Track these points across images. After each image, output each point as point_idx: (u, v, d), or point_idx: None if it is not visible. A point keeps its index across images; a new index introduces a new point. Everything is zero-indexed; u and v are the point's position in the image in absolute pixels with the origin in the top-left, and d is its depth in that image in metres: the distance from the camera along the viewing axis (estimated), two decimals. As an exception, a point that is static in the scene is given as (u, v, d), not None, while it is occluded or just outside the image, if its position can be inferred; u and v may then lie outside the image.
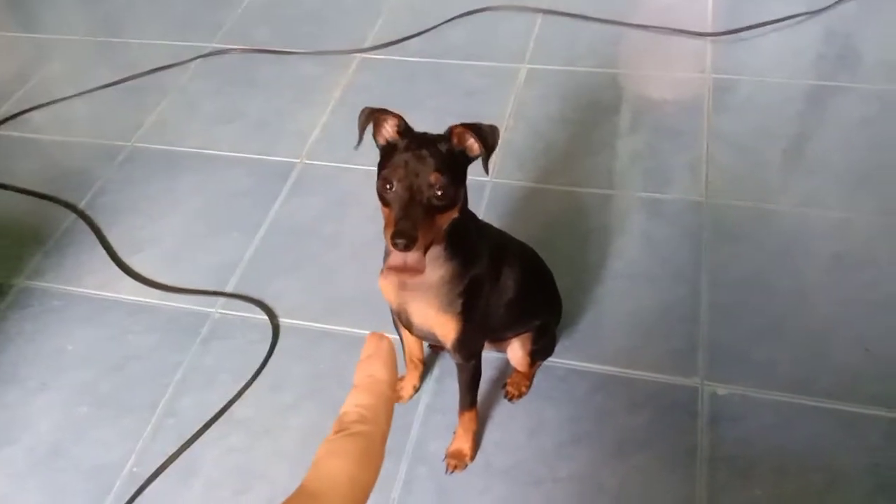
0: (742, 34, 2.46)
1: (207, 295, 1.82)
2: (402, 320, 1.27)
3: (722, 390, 1.54)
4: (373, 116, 1.11)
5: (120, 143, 2.29)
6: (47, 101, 2.47)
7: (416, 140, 1.08)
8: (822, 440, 1.45)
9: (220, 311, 1.78)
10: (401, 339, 1.48)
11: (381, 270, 1.24)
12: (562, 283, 1.55)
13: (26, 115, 2.43)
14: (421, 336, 1.32)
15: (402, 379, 1.56)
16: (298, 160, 2.17)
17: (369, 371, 0.48)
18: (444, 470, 1.45)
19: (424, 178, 1.03)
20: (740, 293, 1.72)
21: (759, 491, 1.39)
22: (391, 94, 2.34)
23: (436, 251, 1.12)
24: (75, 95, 2.48)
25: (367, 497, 0.41)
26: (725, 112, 2.20)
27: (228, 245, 1.94)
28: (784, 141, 2.12)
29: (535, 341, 1.47)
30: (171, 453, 1.52)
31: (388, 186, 1.04)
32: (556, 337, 1.57)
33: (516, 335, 1.46)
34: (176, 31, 2.75)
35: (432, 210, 1.03)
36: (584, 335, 1.66)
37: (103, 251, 1.94)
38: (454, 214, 1.09)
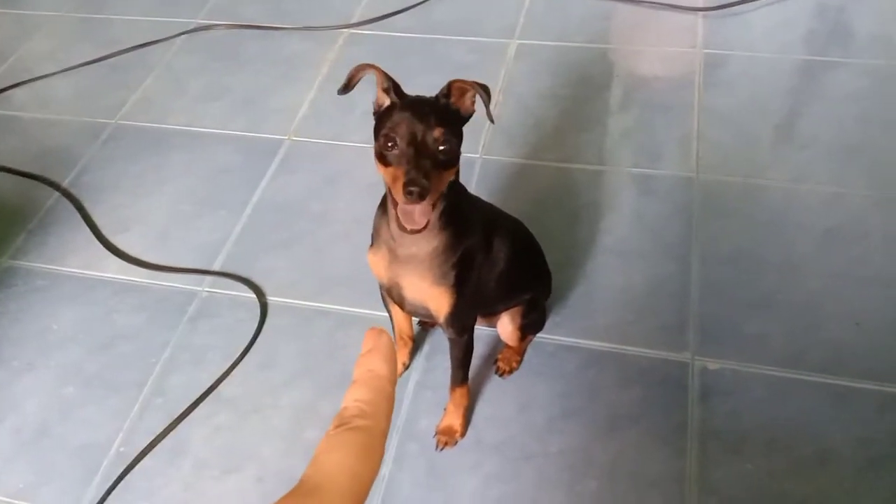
0: (733, 9, 2.44)
1: (194, 273, 1.79)
2: (393, 296, 1.26)
3: (713, 365, 1.54)
4: (375, 71, 1.10)
5: (104, 120, 2.25)
6: (29, 78, 2.43)
7: (415, 98, 1.08)
8: (813, 414, 1.45)
9: (207, 289, 1.76)
10: (390, 315, 1.46)
11: (370, 246, 1.23)
12: (552, 259, 1.54)
13: (7, 93, 2.39)
14: (412, 311, 1.31)
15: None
16: (286, 137, 2.14)
17: (369, 366, 0.47)
18: (435, 446, 1.45)
19: (429, 132, 1.02)
20: (731, 268, 1.71)
21: (750, 465, 1.39)
22: (379, 70, 2.31)
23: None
24: (58, 72, 2.44)
25: (367, 491, 0.41)
26: (716, 87, 2.18)
27: (215, 223, 1.91)
28: (775, 116, 2.11)
29: (524, 315, 1.46)
30: (158, 432, 1.51)
31: (390, 144, 1.03)
32: (547, 312, 1.56)
33: (506, 309, 1.45)
34: (160, 6, 2.70)
35: (438, 164, 1.03)
36: (574, 311, 1.65)
37: (88, 230, 1.91)
38: (453, 174, 1.09)
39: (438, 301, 1.20)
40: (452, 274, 1.17)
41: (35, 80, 2.42)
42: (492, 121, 1.12)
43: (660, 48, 2.37)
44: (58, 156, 2.14)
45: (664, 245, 1.77)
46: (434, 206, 1.07)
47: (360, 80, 1.12)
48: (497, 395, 1.53)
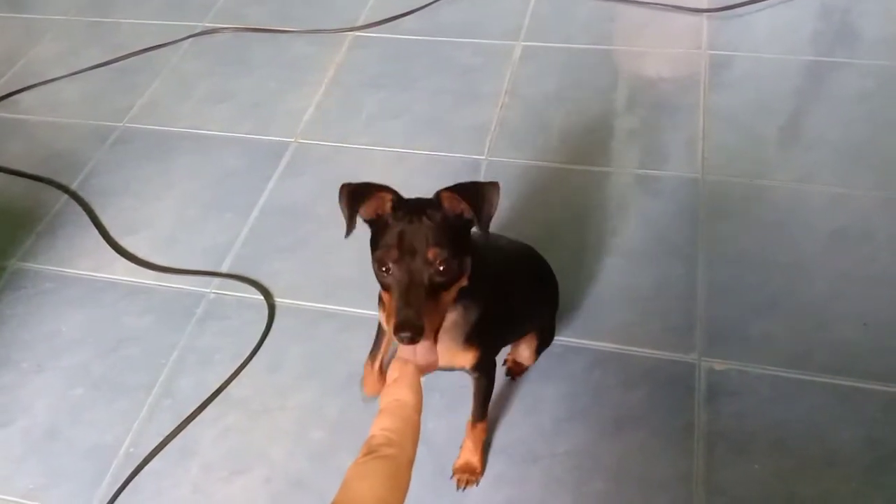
0: (738, 10, 2.44)
1: (202, 275, 1.80)
2: None
3: (719, 366, 1.54)
4: (356, 194, 0.99)
5: (111, 123, 2.26)
6: (37, 82, 2.44)
7: (408, 211, 0.97)
8: (819, 415, 1.45)
9: (215, 291, 1.77)
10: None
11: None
12: (558, 261, 1.54)
13: (16, 97, 2.40)
14: (442, 369, 1.31)
15: None
16: (292, 140, 2.15)
17: (395, 395, 0.48)
18: (455, 486, 1.40)
19: (422, 255, 0.94)
20: (737, 269, 1.71)
21: (757, 465, 1.39)
22: (385, 72, 2.32)
23: None
24: (66, 76, 2.45)
25: None
26: (722, 88, 2.18)
27: (223, 226, 1.92)
28: (781, 117, 2.10)
29: (539, 337, 1.48)
30: (167, 434, 1.51)
31: (384, 269, 0.96)
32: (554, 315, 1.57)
33: (522, 337, 1.46)
34: (167, 10, 2.71)
35: (436, 289, 0.94)
36: (581, 312, 1.66)
37: (96, 232, 1.93)
38: (462, 283, 1.00)
39: (465, 358, 1.20)
40: (475, 335, 1.16)
41: (43, 84, 2.44)
42: (484, 232, 0.99)
43: (665, 50, 2.37)
44: (66, 159, 2.15)
45: (670, 246, 1.77)
46: (437, 334, 0.95)
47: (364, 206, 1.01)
48: (504, 397, 1.53)
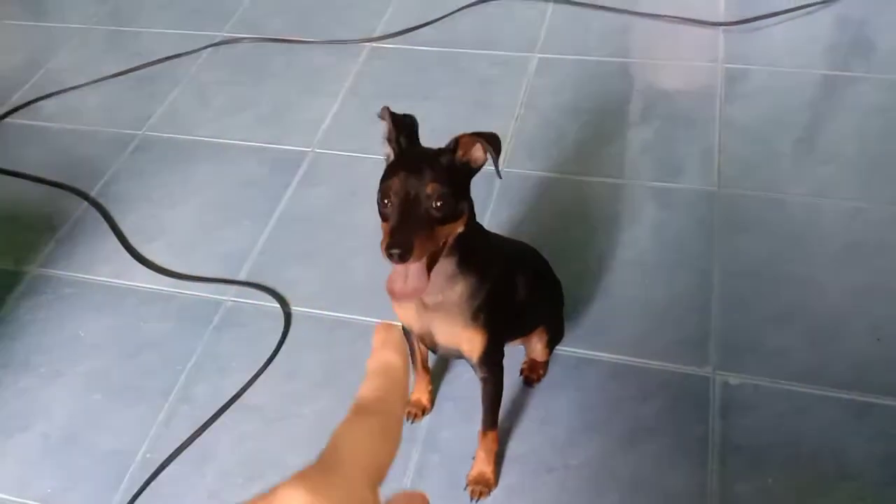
0: (754, 23, 2.45)
1: (220, 283, 1.82)
2: (426, 343, 1.26)
3: (734, 379, 1.54)
4: (398, 118, 1.09)
5: (131, 131, 2.29)
6: (58, 89, 2.47)
7: (414, 151, 1.08)
8: (834, 430, 1.45)
9: (232, 299, 1.79)
10: (411, 351, 1.42)
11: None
12: (572, 272, 1.56)
13: (38, 104, 2.43)
14: (445, 354, 1.32)
15: (415, 394, 1.54)
16: (310, 149, 2.17)
17: (382, 359, 0.48)
18: (469, 498, 1.40)
19: (421, 189, 1.00)
20: (752, 282, 1.71)
21: (771, 480, 1.39)
22: (402, 83, 2.34)
23: (451, 269, 1.11)
24: (86, 84, 2.48)
25: (385, 472, 0.42)
26: (738, 101, 2.19)
27: (240, 234, 1.94)
28: (797, 130, 2.11)
29: (549, 331, 1.49)
30: (184, 439, 1.53)
31: (385, 202, 1.02)
32: (567, 325, 1.58)
33: (531, 332, 1.47)
34: (187, 20, 2.75)
35: (431, 221, 1.01)
36: (595, 324, 1.66)
37: (115, 239, 1.95)
38: (458, 228, 1.07)
39: (471, 342, 1.21)
40: (481, 315, 1.18)
41: (64, 92, 2.47)
42: (500, 175, 1.14)
43: (680, 62, 2.38)
44: (86, 166, 2.18)
45: (685, 259, 1.78)
46: (431, 267, 1.03)
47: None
48: (518, 407, 1.54)
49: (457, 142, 1.07)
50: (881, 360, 1.55)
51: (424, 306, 1.17)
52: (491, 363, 1.28)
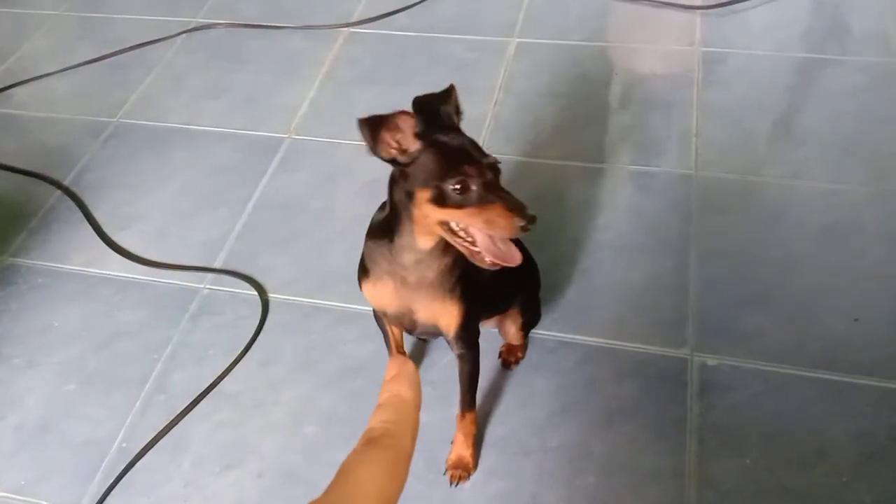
0: (731, 7, 2.45)
1: (196, 271, 1.80)
2: (404, 323, 1.23)
3: (711, 360, 1.55)
4: (407, 118, 1.01)
5: (104, 119, 2.26)
6: (29, 77, 2.43)
7: (448, 128, 1.06)
8: (811, 409, 1.46)
9: (208, 286, 1.77)
10: (385, 337, 1.41)
11: (366, 278, 1.19)
12: (550, 256, 1.55)
13: (8, 92, 2.39)
14: (423, 333, 1.30)
15: None
16: (287, 135, 2.15)
17: (394, 391, 0.48)
18: (448, 482, 1.40)
19: (489, 162, 1.01)
20: (729, 264, 1.72)
21: (748, 460, 1.40)
22: (379, 68, 2.32)
23: (444, 244, 1.09)
24: (58, 71, 2.45)
25: None
26: (715, 85, 2.19)
27: (216, 221, 1.92)
28: (773, 113, 2.11)
29: (524, 313, 1.47)
30: (160, 428, 1.51)
31: (459, 186, 0.99)
32: (544, 309, 1.57)
33: (507, 310, 1.46)
34: (160, 5, 2.71)
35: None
36: (573, 307, 1.66)
37: (89, 228, 1.92)
38: None
39: (449, 316, 1.19)
40: (458, 287, 1.17)
41: (36, 80, 2.43)
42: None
43: (658, 46, 2.38)
44: (59, 154, 2.15)
45: (662, 241, 1.78)
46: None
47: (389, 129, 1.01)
48: (497, 391, 1.54)
49: (452, 89, 1.11)
50: (858, 340, 1.56)
51: (406, 283, 1.15)
52: (467, 338, 1.26)
